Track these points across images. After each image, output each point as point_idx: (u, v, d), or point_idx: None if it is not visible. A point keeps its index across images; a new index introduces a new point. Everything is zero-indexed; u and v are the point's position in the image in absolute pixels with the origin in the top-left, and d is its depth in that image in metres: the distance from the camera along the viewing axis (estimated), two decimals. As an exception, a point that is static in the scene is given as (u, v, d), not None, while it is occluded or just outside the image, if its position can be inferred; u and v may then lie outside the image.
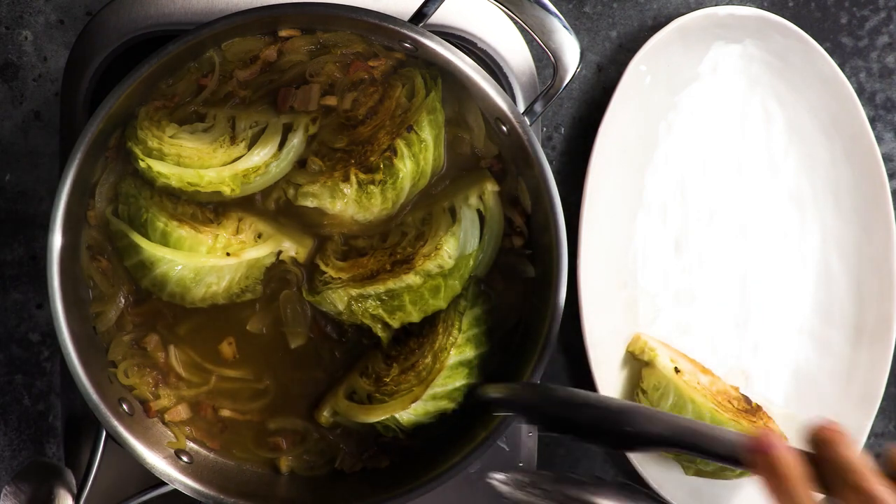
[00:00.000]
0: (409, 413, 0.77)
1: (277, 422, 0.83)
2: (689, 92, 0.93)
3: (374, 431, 0.82)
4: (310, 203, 0.80)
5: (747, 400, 0.91)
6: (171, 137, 0.79)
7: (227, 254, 0.79)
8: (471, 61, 0.77)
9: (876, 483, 0.58)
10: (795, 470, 0.59)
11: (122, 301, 0.82)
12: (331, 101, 0.81)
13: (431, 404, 0.78)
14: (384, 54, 0.81)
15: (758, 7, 0.93)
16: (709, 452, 0.63)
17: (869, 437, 0.96)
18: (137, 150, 0.78)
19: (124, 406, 0.80)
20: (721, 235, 0.94)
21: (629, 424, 0.65)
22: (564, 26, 0.75)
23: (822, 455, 0.60)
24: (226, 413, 0.82)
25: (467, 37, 0.88)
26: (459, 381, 0.78)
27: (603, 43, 0.94)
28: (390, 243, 0.82)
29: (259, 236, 0.81)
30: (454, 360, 0.78)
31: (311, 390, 0.83)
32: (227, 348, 0.82)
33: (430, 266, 0.78)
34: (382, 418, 0.78)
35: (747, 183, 0.94)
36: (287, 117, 0.80)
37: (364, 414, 0.79)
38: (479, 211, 0.81)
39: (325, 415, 0.82)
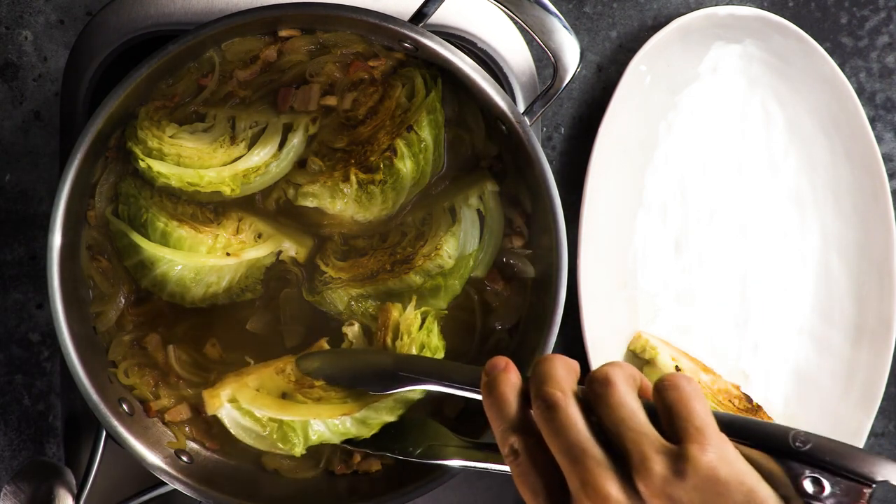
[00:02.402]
0: (329, 425, 0.73)
1: None
2: (689, 92, 0.93)
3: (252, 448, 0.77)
4: (310, 203, 0.80)
5: (748, 399, 0.91)
6: (171, 137, 0.79)
7: (227, 254, 0.79)
8: (471, 61, 0.77)
9: (552, 388, 0.57)
10: (509, 386, 0.60)
11: (122, 301, 0.82)
12: (331, 101, 0.81)
13: (355, 427, 0.74)
14: (384, 54, 0.81)
15: (758, 7, 0.93)
16: (451, 384, 0.69)
17: (869, 437, 0.96)
18: (137, 150, 0.78)
19: (124, 406, 0.80)
20: (721, 235, 0.94)
21: (383, 366, 0.74)
22: (564, 26, 0.75)
23: (532, 374, 0.60)
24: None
25: (467, 37, 0.88)
26: (391, 416, 0.76)
27: (603, 43, 0.94)
28: (390, 243, 0.82)
29: (259, 236, 0.81)
30: (401, 396, 0.75)
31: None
32: (212, 349, 0.82)
33: (430, 266, 0.79)
34: (297, 419, 0.73)
35: (747, 183, 0.94)
36: (287, 117, 0.80)
37: (278, 408, 0.73)
38: (479, 211, 0.81)
39: (221, 396, 0.74)
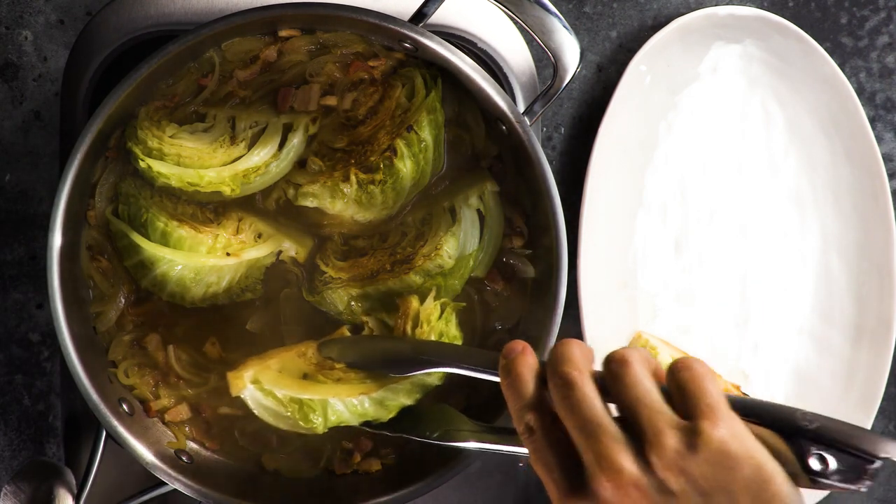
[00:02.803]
0: (347, 405, 0.74)
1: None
2: (689, 92, 0.93)
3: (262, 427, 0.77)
4: (310, 203, 0.80)
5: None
6: (171, 137, 0.79)
7: (227, 254, 0.79)
8: (471, 61, 0.77)
9: (569, 367, 0.59)
10: (523, 371, 0.61)
11: (122, 301, 0.82)
12: (331, 101, 0.81)
13: (373, 408, 0.75)
14: (384, 54, 0.81)
15: (758, 7, 0.93)
16: (469, 366, 0.69)
17: (869, 437, 0.96)
18: (137, 150, 0.78)
19: (124, 406, 0.80)
20: (721, 235, 0.94)
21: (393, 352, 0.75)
22: (564, 26, 0.75)
23: (549, 357, 0.61)
24: (225, 411, 0.82)
25: (467, 37, 0.88)
26: (409, 400, 0.76)
27: (603, 43, 0.94)
28: (390, 243, 0.82)
29: (259, 236, 0.81)
30: (419, 380, 0.76)
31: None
32: (212, 348, 0.82)
33: (430, 266, 0.79)
34: (316, 398, 0.73)
35: (747, 183, 0.94)
36: (287, 117, 0.80)
37: (298, 388, 0.74)
38: (479, 211, 0.81)
39: (244, 378, 0.74)
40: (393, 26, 0.76)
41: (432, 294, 0.78)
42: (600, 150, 0.90)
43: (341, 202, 0.79)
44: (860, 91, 0.96)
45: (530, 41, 0.90)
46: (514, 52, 0.89)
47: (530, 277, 0.82)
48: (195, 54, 0.80)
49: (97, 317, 0.81)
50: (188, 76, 0.80)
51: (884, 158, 0.95)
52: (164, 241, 0.78)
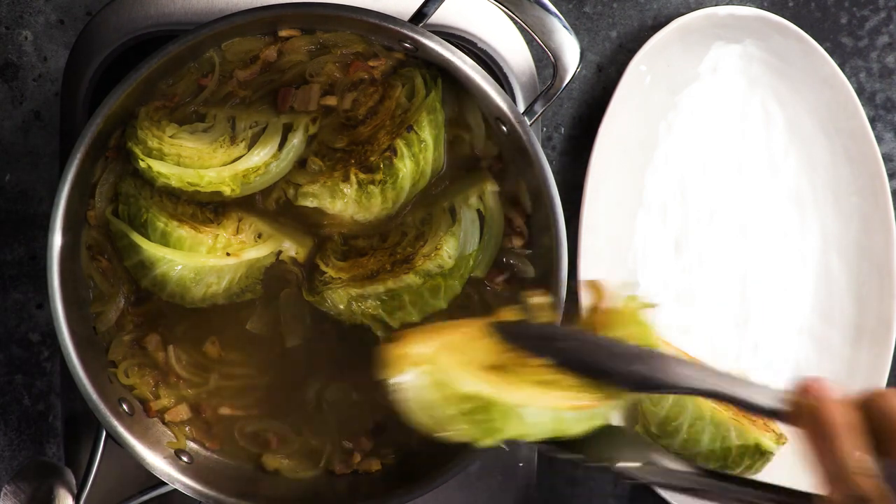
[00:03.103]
0: (554, 420, 0.56)
1: (267, 421, 0.83)
2: (689, 92, 0.93)
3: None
4: (310, 203, 0.80)
5: (747, 400, 0.91)
6: (171, 137, 0.79)
7: (227, 254, 0.79)
8: (471, 61, 0.77)
9: None
10: (843, 421, 0.50)
11: (122, 301, 0.82)
12: (331, 101, 0.81)
13: (583, 422, 0.58)
14: (384, 54, 0.81)
15: (758, 7, 0.93)
16: (742, 400, 0.56)
17: (869, 437, 0.96)
18: (137, 150, 0.78)
19: (124, 406, 0.80)
20: (721, 235, 0.94)
21: (660, 368, 0.60)
22: (564, 26, 0.75)
23: (869, 409, 0.51)
24: (225, 411, 0.83)
25: (467, 37, 0.88)
26: (605, 419, 0.61)
27: (603, 43, 0.94)
28: (390, 243, 0.82)
29: (259, 236, 0.81)
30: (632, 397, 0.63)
31: (305, 391, 0.83)
32: (211, 348, 0.82)
33: (430, 266, 0.79)
34: (526, 402, 0.55)
35: (747, 183, 0.94)
36: (287, 117, 0.80)
37: (499, 383, 0.54)
38: (479, 211, 0.81)
39: (412, 356, 0.55)
40: (393, 26, 0.76)
41: (626, 288, 0.66)
42: (600, 150, 0.90)
43: (341, 202, 0.79)
44: (860, 91, 0.96)
45: (530, 41, 0.90)
46: (514, 52, 0.89)
47: (530, 277, 0.82)
48: (195, 54, 0.80)
49: (97, 317, 0.82)
50: (188, 76, 0.80)
51: (884, 158, 0.95)
52: (164, 241, 0.78)
